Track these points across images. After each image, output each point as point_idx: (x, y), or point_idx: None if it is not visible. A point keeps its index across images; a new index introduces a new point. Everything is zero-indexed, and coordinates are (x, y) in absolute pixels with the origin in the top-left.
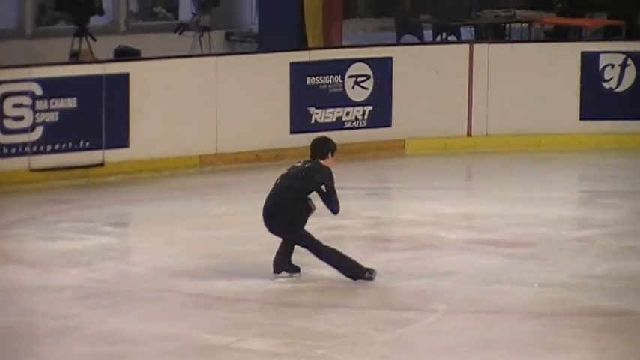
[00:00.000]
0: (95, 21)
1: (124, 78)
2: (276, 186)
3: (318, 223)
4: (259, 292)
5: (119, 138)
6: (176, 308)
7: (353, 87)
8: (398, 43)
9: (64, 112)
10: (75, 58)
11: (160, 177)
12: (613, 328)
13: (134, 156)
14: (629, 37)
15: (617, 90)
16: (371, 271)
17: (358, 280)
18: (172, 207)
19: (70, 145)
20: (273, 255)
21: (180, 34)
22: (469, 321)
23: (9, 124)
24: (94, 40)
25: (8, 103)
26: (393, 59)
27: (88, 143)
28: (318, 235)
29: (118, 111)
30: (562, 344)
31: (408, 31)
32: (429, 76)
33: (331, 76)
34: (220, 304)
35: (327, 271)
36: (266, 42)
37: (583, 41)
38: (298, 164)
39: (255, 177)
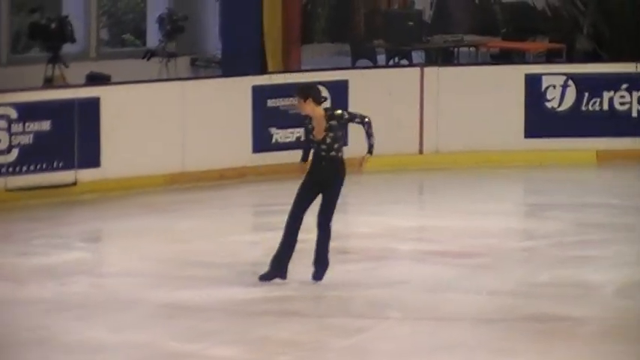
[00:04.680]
0: (67, 48)
1: (95, 102)
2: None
3: (278, 238)
4: (224, 302)
5: (91, 158)
6: (145, 318)
7: None
8: (353, 67)
9: (38, 135)
10: (48, 83)
11: (129, 195)
12: (555, 333)
13: (105, 175)
14: (570, 60)
15: (559, 109)
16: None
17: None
18: (141, 223)
19: (45, 165)
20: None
21: (148, 59)
22: (422, 327)
23: None
24: (67, 66)
25: None
26: (349, 82)
27: (61, 164)
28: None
29: (90, 133)
30: (508, 348)
31: (363, 56)
32: (383, 97)
33: (291, 99)
34: (187, 314)
35: (287, 280)
36: (229, 67)
37: (527, 64)
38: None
39: (219, 194)
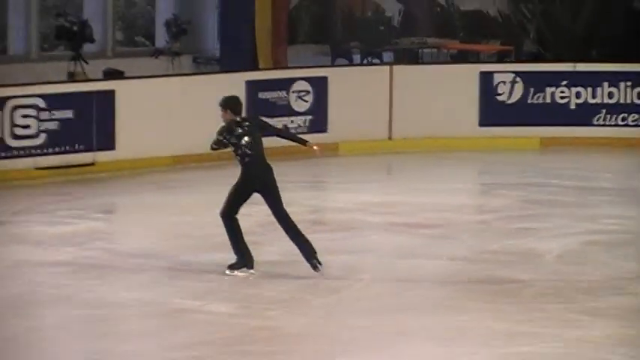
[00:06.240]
0: (87, 47)
1: (111, 94)
2: (252, 145)
3: (268, 211)
4: (219, 265)
5: (107, 142)
6: (152, 279)
7: (296, 100)
8: (332, 65)
9: (62, 122)
10: (71, 77)
11: (140, 173)
12: (504, 293)
13: (119, 157)
14: (518, 60)
15: (509, 102)
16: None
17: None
18: (150, 198)
19: (67, 148)
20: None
21: (156, 58)
22: (389, 288)
23: (18, 131)
24: (87, 63)
25: (17, 114)
26: (328, 78)
27: (81, 146)
28: (269, 220)
29: (106, 120)
30: (464, 306)
31: (340, 55)
32: (358, 91)
33: (278, 92)
34: (188, 276)
35: (273, 247)
36: (226, 64)
37: (481, 63)
38: (240, 129)
39: (217, 173)
